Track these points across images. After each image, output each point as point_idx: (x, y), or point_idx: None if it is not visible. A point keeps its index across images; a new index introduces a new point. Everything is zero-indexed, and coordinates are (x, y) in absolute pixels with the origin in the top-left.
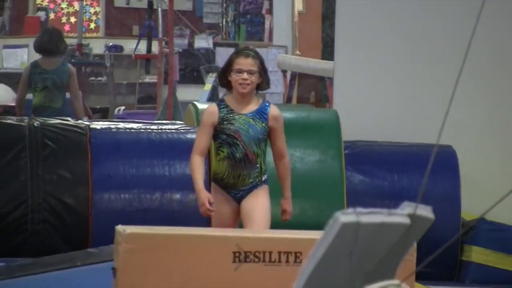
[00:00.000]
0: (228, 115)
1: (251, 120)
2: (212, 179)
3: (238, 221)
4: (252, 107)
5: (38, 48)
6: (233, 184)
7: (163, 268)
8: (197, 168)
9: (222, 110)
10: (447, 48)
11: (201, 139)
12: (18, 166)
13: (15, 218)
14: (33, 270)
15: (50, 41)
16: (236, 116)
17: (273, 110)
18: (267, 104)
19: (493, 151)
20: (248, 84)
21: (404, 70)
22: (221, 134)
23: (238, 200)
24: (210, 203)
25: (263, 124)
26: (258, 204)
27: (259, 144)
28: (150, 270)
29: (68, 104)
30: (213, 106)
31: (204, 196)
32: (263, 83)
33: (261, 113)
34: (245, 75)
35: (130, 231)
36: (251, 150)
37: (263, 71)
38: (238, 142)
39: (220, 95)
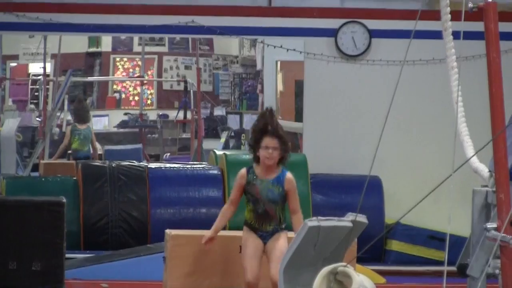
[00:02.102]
0: (253, 180)
1: (270, 185)
2: (244, 222)
3: (261, 254)
4: (273, 174)
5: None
6: (257, 228)
7: (196, 257)
8: (221, 215)
9: (250, 175)
10: (377, 111)
11: (233, 193)
12: (103, 191)
13: (101, 225)
14: (112, 258)
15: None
16: (259, 181)
17: (288, 176)
18: (284, 171)
19: (408, 178)
20: (272, 158)
21: (347, 128)
22: (247, 193)
23: (262, 238)
24: (207, 240)
25: (280, 189)
26: (277, 246)
27: (277, 203)
28: (188, 258)
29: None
30: (244, 171)
31: (208, 234)
32: (284, 158)
33: (279, 179)
34: (270, 151)
35: (174, 233)
36: (270, 208)
37: (284, 149)
38: (259, 201)
39: (231, 145)
